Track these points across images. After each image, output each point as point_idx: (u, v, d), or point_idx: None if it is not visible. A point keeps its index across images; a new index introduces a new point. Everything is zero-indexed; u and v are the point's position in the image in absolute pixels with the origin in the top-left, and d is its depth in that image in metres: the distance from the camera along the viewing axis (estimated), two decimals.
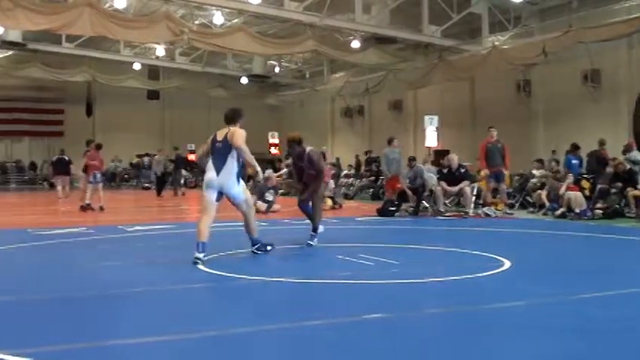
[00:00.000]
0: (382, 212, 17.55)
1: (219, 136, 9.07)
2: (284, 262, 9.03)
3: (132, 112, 46.35)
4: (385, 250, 10.06)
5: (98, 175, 20.12)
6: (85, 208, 19.49)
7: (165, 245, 10.88)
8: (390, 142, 19.92)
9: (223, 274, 7.78)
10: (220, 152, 8.94)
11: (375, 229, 14.35)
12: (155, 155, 31.85)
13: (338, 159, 36.72)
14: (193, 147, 44.94)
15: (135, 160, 44.87)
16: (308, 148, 10.53)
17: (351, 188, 28.97)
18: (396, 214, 17.36)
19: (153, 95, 45.63)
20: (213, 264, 8.54)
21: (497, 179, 18.37)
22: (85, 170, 20.59)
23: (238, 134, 8.98)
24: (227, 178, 8.85)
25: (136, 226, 13.94)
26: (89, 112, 46.17)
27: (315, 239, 10.42)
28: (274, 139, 40.22)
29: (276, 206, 18.64)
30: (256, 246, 9.38)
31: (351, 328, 5.26)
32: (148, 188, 35.38)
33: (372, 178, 27.73)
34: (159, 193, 29.73)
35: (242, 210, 9.15)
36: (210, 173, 8.87)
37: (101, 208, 19.55)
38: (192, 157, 44.09)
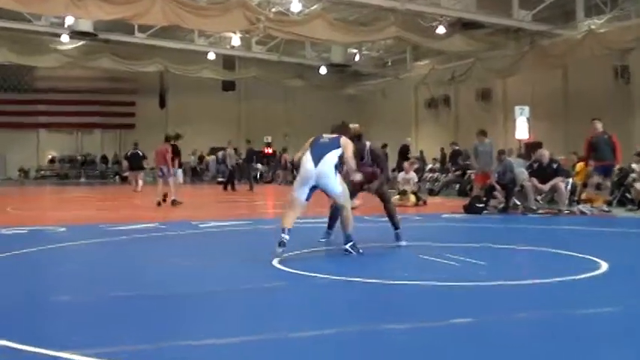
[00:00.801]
0: (469, 209, 17.35)
1: (327, 136, 9.30)
2: (365, 262, 8.92)
3: (206, 103, 46.69)
4: (472, 249, 9.96)
5: (165, 169, 20.34)
6: (173, 202, 19.75)
7: (240, 242, 11.11)
8: (481, 134, 19.67)
9: (301, 272, 7.78)
10: (325, 146, 9.12)
11: (462, 227, 14.30)
12: (227, 149, 31.95)
13: (422, 152, 36.35)
14: (270, 139, 45.24)
15: (206, 154, 44.94)
16: (368, 143, 10.44)
17: (436, 184, 28.49)
18: (484, 211, 17.11)
19: (228, 86, 45.79)
20: (290, 262, 8.56)
21: (605, 173, 18.00)
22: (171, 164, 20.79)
23: (351, 146, 9.22)
24: (325, 169, 8.94)
25: (210, 222, 14.20)
26: (162, 103, 46.54)
27: (403, 239, 10.32)
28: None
29: (356, 201, 18.41)
30: (349, 244, 9.24)
31: (437, 333, 5.26)
32: (222, 183, 35.92)
33: (459, 172, 27.38)
34: (225, 187, 29.69)
35: (339, 203, 9.22)
36: (308, 164, 8.98)
37: (173, 202, 19.68)
38: (269, 150, 44.50)
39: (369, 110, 46.32)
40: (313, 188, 9.00)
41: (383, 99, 45.30)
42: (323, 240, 10.31)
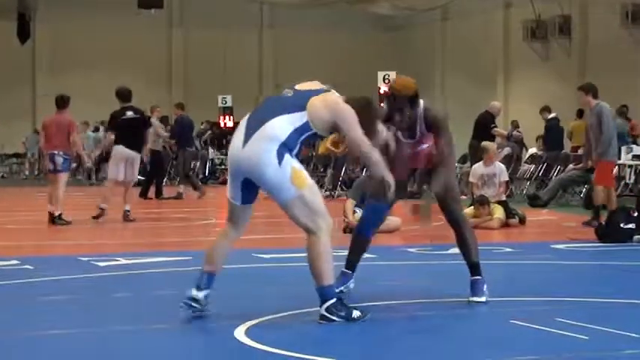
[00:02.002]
0: (606, 233, 13.69)
1: (301, 86, 7.39)
2: (412, 337, 7.06)
3: (107, 33, 37.21)
4: (611, 309, 8.08)
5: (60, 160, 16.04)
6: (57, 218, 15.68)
7: (173, 295, 8.75)
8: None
9: (283, 352, 6.31)
10: (275, 106, 7.22)
11: (591, 267, 12.05)
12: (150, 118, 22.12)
13: (516, 125, 30.72)
14: (229, 101, 34.34)
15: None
16: (422, 105, 8.20)
17: (544, 185, 22.85)
18: (637, 236, 13.65)
19: (149, 1, 33.51)
20: (267, 330, 7.07)
21: None
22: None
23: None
24: (257, 149, 6.98)
25: (118, 258, 11.75)
26: (24, 33, 36.43)
27: (484, 291, 8.13)
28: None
29: (394, 220, 14.12)
30: (326, 305, 7.16)
31: None
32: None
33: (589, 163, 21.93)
34: (145, 192, 22.55)
35: (298, 223, 7.17)
36: (235, 141, 7.19)
37: (57, 218, 15.63)
38: (228, 121, 33.00)
39: (416, 46, 38.55)
40: (250, 185, 7.20)
41: (443, 24, 37.98)
42: (343, 290, 8.30)
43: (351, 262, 8.41)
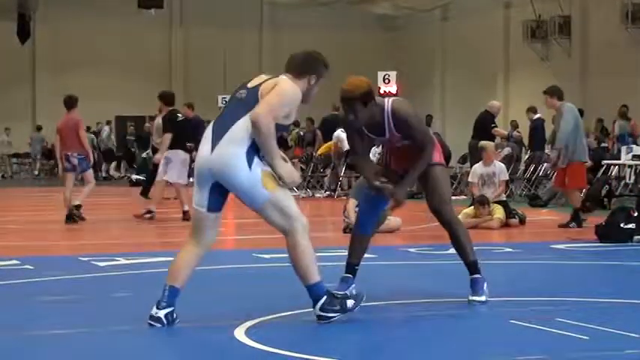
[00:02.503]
0: (606, 233, 13.66)
1: (251, 83, 7.15)
2: (412, 337, 7.07)
3: (107, 33, 37.27)
4: (611, 309, 8.07)
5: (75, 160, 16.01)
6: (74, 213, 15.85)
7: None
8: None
9: (284, 352, 6.29)
10: (237, 106, 6.97)
11: (591, 267, 12.00)
12: (156, 118, 20.11)
13: (516, 125, 28.97)
14: (221, 101, 32.30)
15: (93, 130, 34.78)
16: (387, 102, 8.04)
17: (543, 186, 22.44)
18: (637, 236, 13.59)
19: (149, 1, 33.78)
20: (267, 331, 7.05)
21: None
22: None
23: (282, 89, 6.90)
24: (226, 153, 6.85)
25: (118, 258, 11.79)
26: (24, 33, 36.26)
27: (483, 289, 8.07)
28: (389, 85, 28.09)
29: (394, 220, 14.16)
30: (319, 304, 7.08)
31: None
32: (139, 183, 25.13)
33: (589, 163, 21.89)
34: (146, 190, 21.34)
35: (277, 226, 7.05)
36: (203, 145, 7.01)
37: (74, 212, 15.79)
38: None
39: (415, 45, 38.53)
40: (219, 190, 7.04)
41: (442, 24, 38.06)
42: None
43: (351, 266, 8.35)
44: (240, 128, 6.82)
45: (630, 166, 19.53)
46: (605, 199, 19.16)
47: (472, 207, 15.47)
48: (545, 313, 7.47)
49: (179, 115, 16.36)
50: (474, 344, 6.84)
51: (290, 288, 8.64)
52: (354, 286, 8.29)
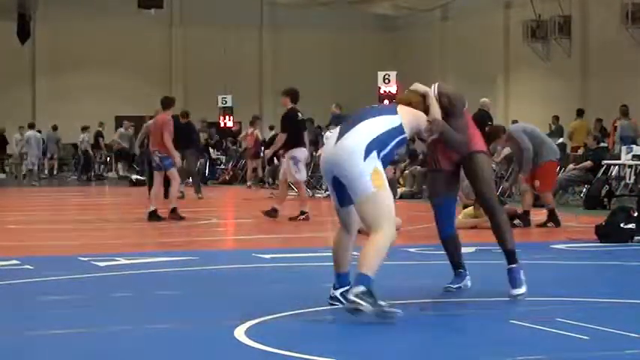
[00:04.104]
0: (607, 233, 13.57)
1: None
2: (412, 337, 7.05)
3: (107, 33, 36.89)
4: (611, 309, 8.07)
5: (156, 159, 16.44)
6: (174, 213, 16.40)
7: (173, 296, 9.13)
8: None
9: (285, 353, 6.25)
10: (369, 112, 7.48)
11: (591, 267, 11.92)
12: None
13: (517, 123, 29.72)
14: (229, 101, 33.80)
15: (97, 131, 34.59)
16: (435, 86, 8.22)
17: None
18: (637, 237, 13.50)
19: (149, 1, 32.73)
20: (269, 331, 7.06)
21: None
22: None
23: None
24: (349, 143, 7.17)
25: (118, 259, 11.66)
26: (24, 33, 35.45)
27: (521, 279, 8.36)
28: (389, 85, 27.03)
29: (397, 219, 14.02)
30: (356, 290, 7.13)
31: None
32: (138, 182, 26.92)
33: (589, 163, 21.83)
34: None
35: (362, 217, 7.29)
36: (327, 146, 7.48)
37: (174, 212, 16.27)
38: (228, 122, 33.31)
39: (415, 45, 38.29)
40: (340, 184, 7.28)
41: (442, 25, 37.44)
42: (461, 287, 8.64)
43: (455, 263, 8.59)
44: (369, 125, 7.22)
45: (630, 166, 19.44)
46: (606, 199, 19.08)
47: (472, 207, 15.31)
48: (545, 313, 7.47)
49: (299, 114, 16.51)
50: (474, 344, 6.82)
51: (290, 288, 8.87)
52: (468, 278, 8.56)
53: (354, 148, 7.14)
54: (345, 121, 7.71)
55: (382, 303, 7.07)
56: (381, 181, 7.15)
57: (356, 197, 7.10)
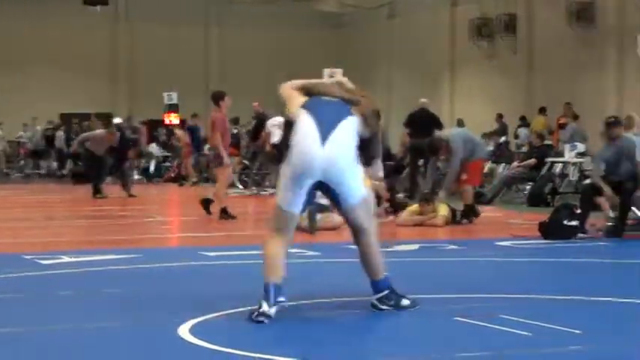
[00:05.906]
0: (550, 230, 13.68)
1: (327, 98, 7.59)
2: (353, 335, 7.12)
3: (50, 29, 36.22)
4: (554, 306, 8.20)
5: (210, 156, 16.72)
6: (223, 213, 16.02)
7: (117, 293, 9.00)
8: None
9: (231, 351, 6.29)
10: (333, 110, 7.32)
11: (534, 263, 12.14)
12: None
13: (461, 122, 30.00)
14: (174, 97, 33.58)
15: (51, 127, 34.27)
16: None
17: (487, 184, 21.85)
18: (580, 234, 13.67)
19: None
20: (213, 329, 7.06)
21: None
22: None
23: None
24: (341, 151, 7.13)
25: (61, 257, 11.58)
26: None
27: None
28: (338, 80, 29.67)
29: (334, 218, 13.86)
30: (381, 294, 7.40)
31: None
32: (79, 177, 26.02)
33: (533, 161, 21.59)
34: (96, 189, 21.65)
35: (359, 224, 7.28)
36: (309, 141, 7.11)
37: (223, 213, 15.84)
38: (172, 118, 33.15)
39: (361, 43, 38.30)
40: (315, 189, 7.32)
41: (389, 23, 37.39)
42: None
43: None
44: (343, 132, 7.18)
45: (574, 164, 19.68)
46: (549, 197, 19.34)
47: (417, 205, 15.51)
48: (489, 310, 7.56)
49: None
50: (418, 341, 6.91)
51: (234, 286, 8.91)
52: None
53: (349, 153, 7.21)
54: (317, 109, 7.44)
55: (404, 301, 7.45)
56: (365, 180, 7.42)
57: (352, 200, 7.17)
